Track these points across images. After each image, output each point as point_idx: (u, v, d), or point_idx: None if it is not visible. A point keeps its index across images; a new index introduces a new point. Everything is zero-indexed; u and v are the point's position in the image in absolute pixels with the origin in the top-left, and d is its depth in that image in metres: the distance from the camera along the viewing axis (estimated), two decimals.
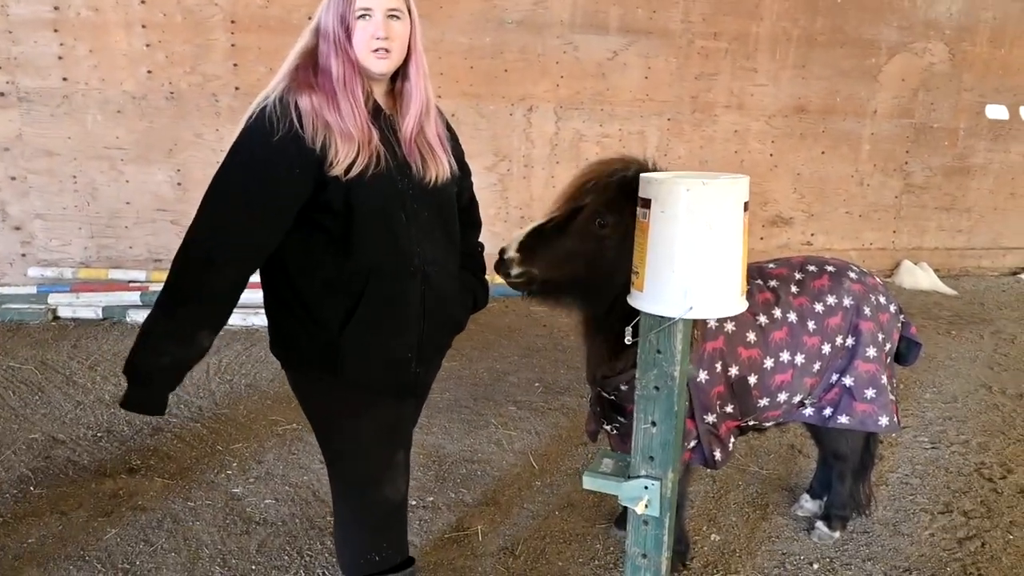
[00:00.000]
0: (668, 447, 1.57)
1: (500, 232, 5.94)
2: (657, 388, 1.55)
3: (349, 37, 1.72)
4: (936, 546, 2.80)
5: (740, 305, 1.49)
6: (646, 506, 1.59)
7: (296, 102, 1.69)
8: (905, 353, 2.60)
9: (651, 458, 1.59)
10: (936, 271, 6.90)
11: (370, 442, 1.94)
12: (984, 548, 2.78)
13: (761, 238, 6.68)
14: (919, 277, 6.76)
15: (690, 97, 6.30)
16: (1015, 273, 7.29)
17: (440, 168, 1.86)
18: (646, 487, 1.59)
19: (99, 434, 3.49)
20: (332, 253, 1.77)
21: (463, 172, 2.09)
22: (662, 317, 1.49)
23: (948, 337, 5.31)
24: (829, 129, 6.64)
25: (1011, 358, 4.89)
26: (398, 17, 1.73)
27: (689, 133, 6.39)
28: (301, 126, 1.67)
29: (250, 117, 1.71)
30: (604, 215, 1.95)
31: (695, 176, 1.45)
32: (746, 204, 1.45)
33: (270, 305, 1.90)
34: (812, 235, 6.89)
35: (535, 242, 1.98)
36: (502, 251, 2.00)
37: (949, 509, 3.04)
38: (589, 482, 1.64)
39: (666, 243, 1.44)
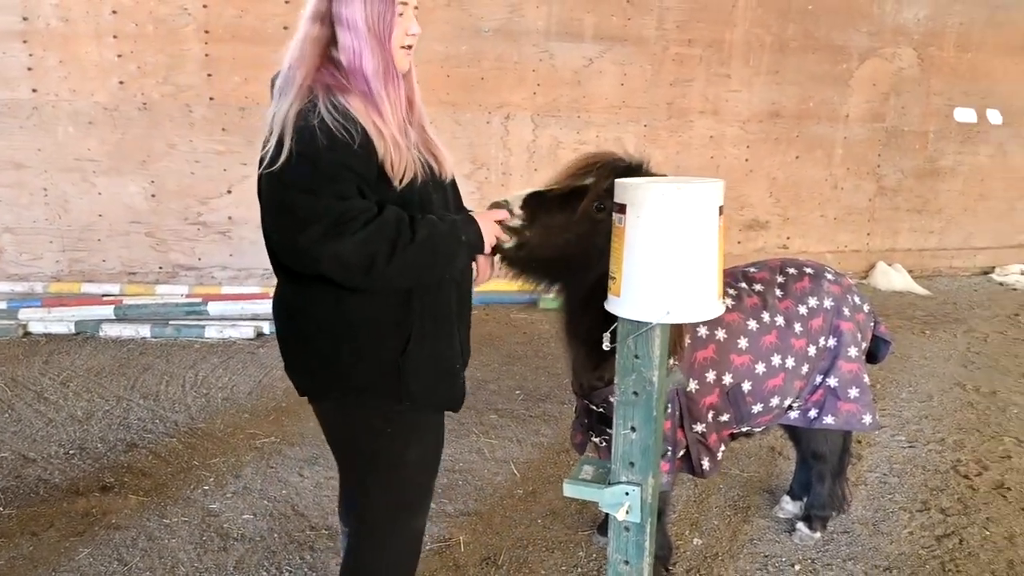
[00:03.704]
0: (648, 452, 1.57)
1: None
2: (636, 393, 1.55)
3: (391, 34, 1.63)
4: (915, 544, 2.82)
5: (717, 308, 1.50)
6: (627, 512, 1.58)
7: (349, 105, 1.57)
8: (875, 351, 2.64)
9: (631, 464, 1.59)
10: (909, 272, 7.01)
11: (416, 468, 1.84)
12: (962, 545, 2.81)
13: (738, 242, 6.74)
14: (893, 278, 6.86)
15: (665, 103, 6.35)
16: (986, 272, 7.43)
17: (449, 162, 1.83)
18: (627, 493, 1.59)
19: (71, 451, 3.41)
20: None
21: None
22: (639, 322, 1.49)
23: (923, 337, 5.38)
24: (803, 134, 6.73)
25: (984, 356, 4.97)
26: (417, 8, 1.70)
27: (665, 139, 6.44)
28: (365, 132, 1.58)
29: (299, 136, 1.52)
30: (605, 199, 1.85)
31: (669, 181, 1.46)
32: (721, 208, 1.46)
33: (307, 333, 1.74)
34: (788, 238, 6.97)
35: (536, 205, 1.89)
36: (501, 202, 1.89)
37: (927, 507, 3.07)
38: (570, 490, 1.63)
39: (642, 248, 1.44)
